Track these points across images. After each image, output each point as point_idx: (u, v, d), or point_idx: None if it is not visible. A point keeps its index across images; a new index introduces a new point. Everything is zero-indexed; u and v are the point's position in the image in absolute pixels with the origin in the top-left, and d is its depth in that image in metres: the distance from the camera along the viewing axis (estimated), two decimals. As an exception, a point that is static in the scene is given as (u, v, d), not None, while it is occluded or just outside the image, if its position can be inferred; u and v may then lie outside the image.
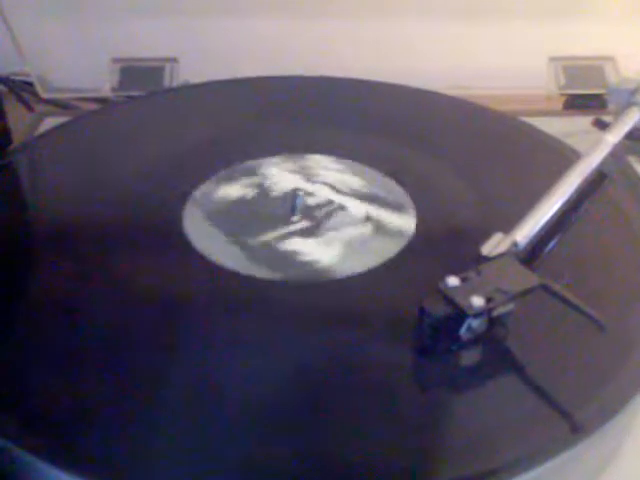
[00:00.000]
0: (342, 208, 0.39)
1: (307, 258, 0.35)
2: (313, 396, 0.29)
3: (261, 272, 0.34)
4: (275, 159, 0.42)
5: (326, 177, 0.41)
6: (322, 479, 0.27)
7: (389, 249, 0.36)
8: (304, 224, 0.38)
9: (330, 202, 0.39)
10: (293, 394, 0.29)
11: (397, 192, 0.40)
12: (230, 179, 0.41)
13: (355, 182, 0.41)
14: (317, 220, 0.38)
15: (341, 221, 0.38)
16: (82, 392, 0.29)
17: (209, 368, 0.30)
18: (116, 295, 0.33)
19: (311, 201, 0.39)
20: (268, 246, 0.36)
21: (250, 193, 0.40)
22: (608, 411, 0.28)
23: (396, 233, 0.37)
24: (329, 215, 0.38)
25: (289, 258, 0.35)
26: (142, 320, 0.32)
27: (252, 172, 0.41)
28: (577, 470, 0.29)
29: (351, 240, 0.37)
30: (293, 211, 0.38)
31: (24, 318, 0.33)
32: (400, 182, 0.40)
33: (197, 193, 0.39)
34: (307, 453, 0.27)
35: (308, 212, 0.38)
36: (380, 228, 0.37)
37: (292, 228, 0.37)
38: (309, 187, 0.40)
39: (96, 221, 0.38)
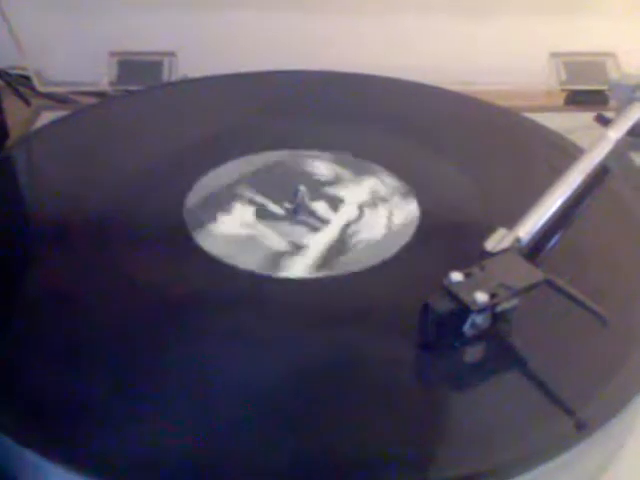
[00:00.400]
0: (342, 201, 0.38)
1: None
2: (315, 391, 0.29)
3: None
4: (277, 154, 0.42)
5: (327, 173, 0.41)
6: (322, 475, 0.26)
7: (391, 245, 0.35)
8: (310, 220, 0.37)
9: (333, 198, 0.39)
10: (296, 389, 0.29)
11: (400, 187, 0.39)
12: (231, 174, 0.40)
13: (356, 178, 0.40)
14: (322, 216, 0.38)
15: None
16: (80, 387, 0.29)
17: (211, 363, 0.30)
18: (117, 290, 0.33)
19: (313, 197, 0.39)
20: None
21: (251, 189, 0.39)
22: (612, 408, 0.28)
23: (399, 228, 0.37)
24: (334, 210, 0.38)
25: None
26: (142, 314, 0.32)
27: (253, 165, 0.41)
28: (580, 468, 0.28)
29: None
30: (296, 208, 0.38)
31: (23, 313, 0.32)
32: (403, 177, 0.40)
33: (197, 187, 0.39)
34: (308, 447, 0.27)
35: (309, 208, 0.38)
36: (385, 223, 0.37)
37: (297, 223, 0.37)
38: (311, 182, 0.40)
39: (95, 216, 0.37)
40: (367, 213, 0.38)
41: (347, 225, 0.37)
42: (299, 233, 0.37)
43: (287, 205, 0.38)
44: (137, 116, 0.46)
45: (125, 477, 0.26)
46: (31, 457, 0.26)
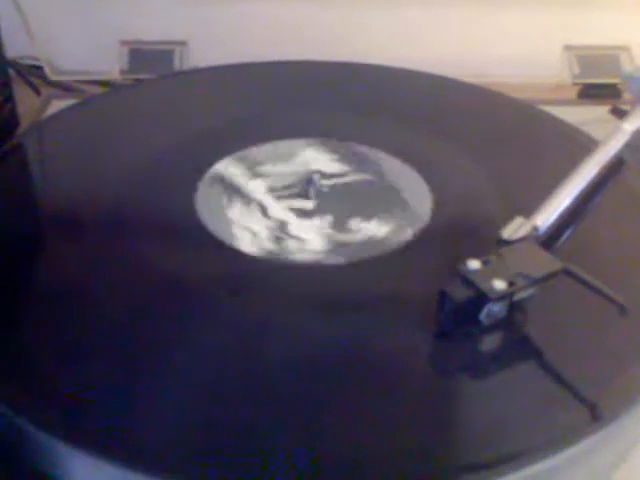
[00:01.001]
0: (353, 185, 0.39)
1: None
2: (329, 380, 0.29)
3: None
4: (288, 143, 0.41)
5: (342, 163, 0.40)
6: (336, 462, 0.26)
7: (405, 233, 0.35)
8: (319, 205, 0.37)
9: (347, 185, 0.39)
10: (312, 376, 0.29)
11: (412, 177, 0.39)
12: (242, 161, 0.40)
13: (365, 166, 0.40)
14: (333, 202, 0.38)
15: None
16: (90, 373, 0.29)
17: (231, 352, 0.30)
18: (131, 278, 0.33)
19: (326, 183, 0.39)
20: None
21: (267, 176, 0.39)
22: (628, 399, 0.28)
23: (413, 217, 0.36)
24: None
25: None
26: (156, 300, 0.32)
27: (266, 155, 0.41)
28: (595, 459, 0.28)
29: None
30: (308, 194, 0.38)
31: (36, 299, 0.32)
32: (417, 167, 0.40)
33: (209, 175, 0.39)
34: (322, 433, 0.27)
35: (322, 195, 0.38)
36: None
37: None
38: (326, 168, 0.39)
39: (107, 204, 0.37)
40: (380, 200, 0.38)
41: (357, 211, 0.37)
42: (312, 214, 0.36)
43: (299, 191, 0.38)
44: (147, 104, 0.46)
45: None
46: (42, 437, 0.26)
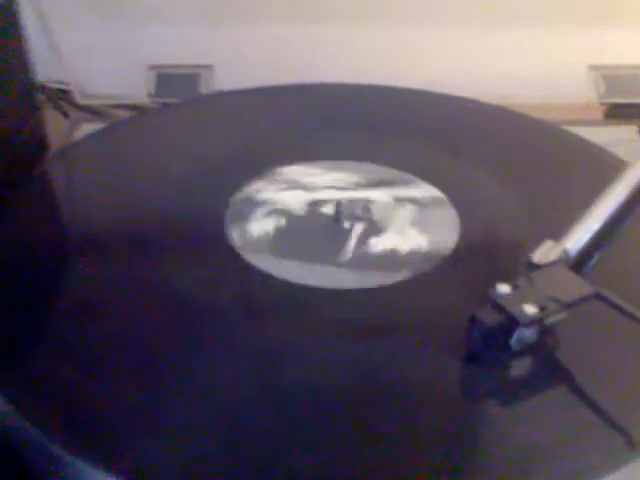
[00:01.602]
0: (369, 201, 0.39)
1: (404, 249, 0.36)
2: (358, 404, 0.29)
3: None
4: (310, 168, 0.42)
5: (364, 187, 0.40)
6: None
7: (434, 256, 0.35)
8: (362, 226, 0.37)
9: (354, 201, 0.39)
10: (338, 402, 0.29)
11: (440, 199, 0.39)
12: (270, 185, 0.40)
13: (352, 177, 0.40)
14: (366, 218, 0.38)
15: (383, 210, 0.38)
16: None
17: (247, 371, 0.30)
18: (158, 300, 0.33)
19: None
20: (361, 256, 0.36)
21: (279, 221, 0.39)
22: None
23: (441, 240, 0.36)
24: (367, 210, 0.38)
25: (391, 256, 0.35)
26: (179, 321, 0.32)
27: (290, 181, 0.41)
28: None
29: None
30: (339, 220, 0.38)
31: (59, 319, 0.33)
32: (443, 189, 0.40)
33: (236, 200, 0.39)
34: (344, 463, 0.27)
35: (347, 216, 0.38)
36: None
37: (358, 233, 0.37)
38: (350, 195, 0.39)
39: (134, 228, 0.38)
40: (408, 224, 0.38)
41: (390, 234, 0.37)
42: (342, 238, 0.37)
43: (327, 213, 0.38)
44: (172, 128, 0.47)
45: None
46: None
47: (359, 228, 0.37)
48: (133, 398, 0.29)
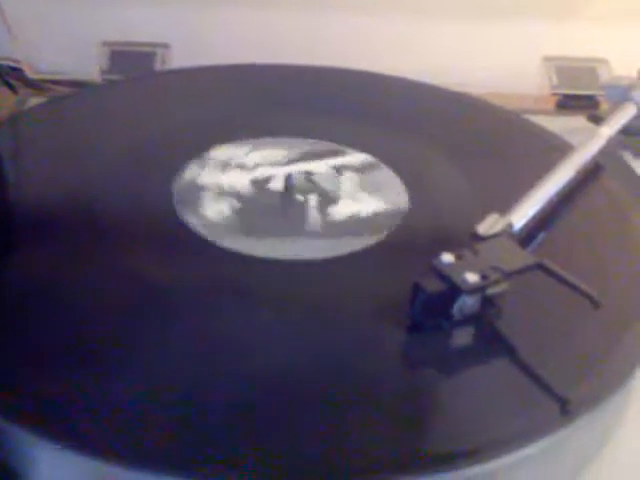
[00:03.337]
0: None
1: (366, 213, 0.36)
2: (305, 375, 0.28)
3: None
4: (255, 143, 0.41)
5: (299, 160, 0.40)
6: (318, 462, 0.26)
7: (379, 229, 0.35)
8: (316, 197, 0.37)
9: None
10: (286, 376, 0.28)
11: (374, 164, 0.39)
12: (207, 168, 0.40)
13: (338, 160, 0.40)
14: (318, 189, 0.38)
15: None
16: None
17: (211, 349, 0.29)
18: (107, 277, 0.32)
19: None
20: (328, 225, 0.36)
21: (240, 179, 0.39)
22: (598, 395, 0.28)
23: (389, 213, 0.36)
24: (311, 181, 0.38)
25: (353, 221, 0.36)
26: (138, 304, 0.31)
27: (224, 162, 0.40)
28: (563, 454, 0.28)
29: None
30: (291, 193, 0.38)
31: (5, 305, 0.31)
32: (393, 167, 0.39)
33: (184, 176, 0.38)
34: (301, 430, 0.26)
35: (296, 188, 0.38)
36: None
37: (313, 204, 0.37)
38: (288, 169, 0.39)
39: (81, 200, 0.37)
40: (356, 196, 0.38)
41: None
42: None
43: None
44: (120, 103, 0.46)
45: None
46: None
47: (313, 199, 0.37)
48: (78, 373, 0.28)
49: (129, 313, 0.31)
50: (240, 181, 0.38)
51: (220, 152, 0.40)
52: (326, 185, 0.38)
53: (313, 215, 0.36)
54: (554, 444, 0.27)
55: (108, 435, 0.25)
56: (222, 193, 0.38)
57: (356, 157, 0.40)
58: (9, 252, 0.34)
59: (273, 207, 0.37)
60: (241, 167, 0.39)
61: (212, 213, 0.36)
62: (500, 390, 0.28)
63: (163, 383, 0.27)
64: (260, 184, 0.38)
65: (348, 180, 0.39)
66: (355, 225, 0.36)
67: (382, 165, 0.39)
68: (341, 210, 0.36)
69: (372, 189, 0.38)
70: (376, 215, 0.36)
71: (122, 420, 0.26)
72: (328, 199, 0.37)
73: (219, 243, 0.34)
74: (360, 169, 0.39)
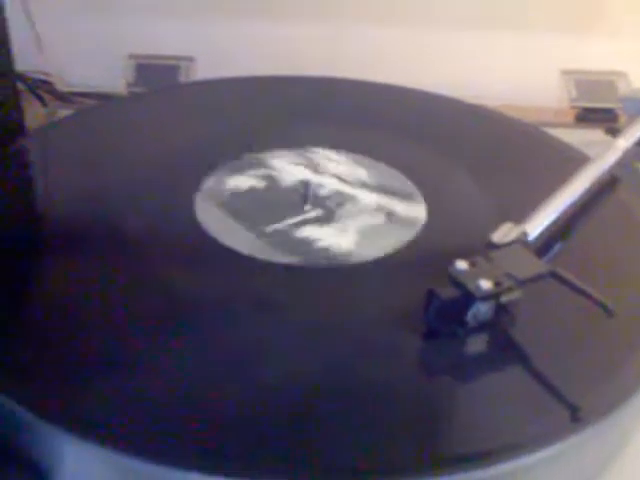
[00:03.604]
0: (352, 198, 0.39)
1: (324, 244, 0.35)
2: (320, 381, 0.29)
3: (278, 257, 0.34)
4: (282, 152, 0.42)
5: (333, 169, 0.41)
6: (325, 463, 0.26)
7: (401, 237, 0.36)
8: (317, 213, 0.38)
9: (340, 193, 0.39)
10: (300, 379, 0.29)
11: (407, 187, 0.40)
12: (238, 171, 0.41)
13: (362, 174, 0.41)
14: (329, 209, 0.38)
15: (353, 210, 0.38)
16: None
17: (223, 354, 0.30)
18: (130, 284, 0.33)
19: (321, 191, 0.39)
20: (284, 233, 0.36)
21: (260, 184, 0.40)
22: (611, 404, 0.28)
23: (406, 224, 0.37)
24: (341, 204, 0.38)
25: (306, 244, 0.35)
26: (155, 308, 0.32)
27: (260, 165, 0.41)
28: (575, 461, 0.28)
29: (365, 228, 0.37)
30: (305, 201, 0.38)
31: (34, 307, 0.33)
32: (412, 178, 0.40)
33: (207, 184, 0.39)
34: (310, 436, 0.27)
35: (320, 202, 0.38)
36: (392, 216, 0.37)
37: (306, 216, 0.37)
38: (317, 179, 0.40)
39: (106, 210, 0.38)
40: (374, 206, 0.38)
41: (358, 216, 0.37)
42: (310, 224, 0.37)
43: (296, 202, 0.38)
44: (145, 116, 0.47)
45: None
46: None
47: (313, 212, 0.38)
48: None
49: (155, 319, 0.32)
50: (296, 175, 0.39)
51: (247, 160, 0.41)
52: (344, 213, 0.38)
53: (286, 222, 0.37)
54: (566, 451, 0.27)
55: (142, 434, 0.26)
56: (244, 202, 0.38)
57: (412, 209, 0.39)
58: (38, 259, 0.35)
59: (278, 202, 0.38)
60: (314, 169, 0.40)
61: (235, 222, 0.37)
62: (513, 396, 0.29)
63: (190, 383, 0.28)
64: (301, 185, 0.39)
65: (369, 220, 0.38)
66: (375, 234, 0.36)
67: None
68: (312, 231, 0.37)
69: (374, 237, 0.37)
70: (396, 223, 0.37)
71: (148, 417, 0.27)
72: (323, 220, 0.37)
73: (243, 252, 0.35)
74: (395, 220, 0.38)
